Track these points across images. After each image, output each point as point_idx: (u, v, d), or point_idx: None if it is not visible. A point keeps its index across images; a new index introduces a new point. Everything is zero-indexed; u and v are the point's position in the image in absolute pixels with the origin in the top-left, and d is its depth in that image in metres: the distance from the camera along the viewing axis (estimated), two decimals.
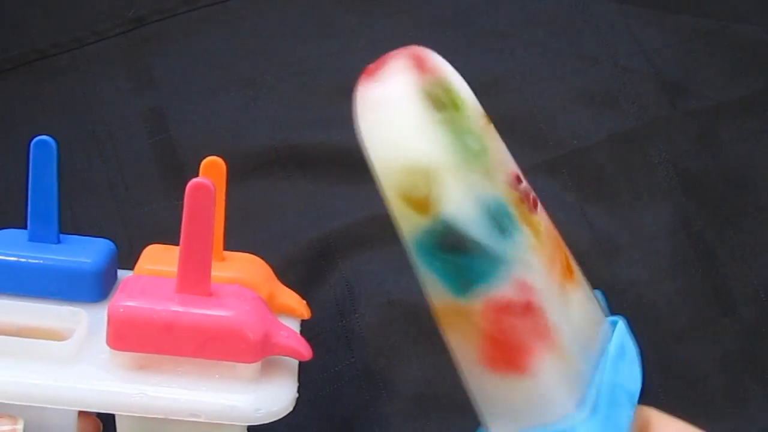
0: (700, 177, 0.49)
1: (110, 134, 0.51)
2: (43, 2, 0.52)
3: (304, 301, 0.40)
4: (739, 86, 0.50)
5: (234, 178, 0.50)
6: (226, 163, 0.39)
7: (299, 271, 0.48)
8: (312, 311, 0.40)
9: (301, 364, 0.36)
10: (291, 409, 0.34)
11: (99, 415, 0.37)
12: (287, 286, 0.41)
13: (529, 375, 0.29)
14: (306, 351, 0.34)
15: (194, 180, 0.32)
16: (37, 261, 0.37)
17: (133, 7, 0.52)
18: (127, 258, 0.40)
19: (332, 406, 0.47)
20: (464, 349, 0.30)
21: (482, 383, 0.30)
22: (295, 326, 0.39)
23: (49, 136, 0.50)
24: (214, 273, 0.34)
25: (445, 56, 0.51)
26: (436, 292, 0.29)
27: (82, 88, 0.51)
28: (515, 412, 0.30)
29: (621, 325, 0.33)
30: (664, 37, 0.51)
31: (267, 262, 0.41)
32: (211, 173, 0.38)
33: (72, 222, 0.49)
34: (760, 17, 0.51)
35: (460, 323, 0.29)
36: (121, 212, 0.50)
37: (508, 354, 0.29)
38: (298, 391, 0.35)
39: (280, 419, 0.33)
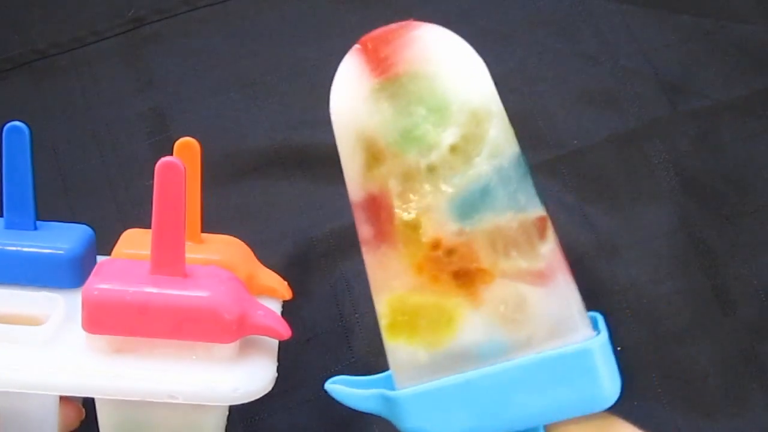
0: (700, 177, 0.49)
1: (110, 134, 0.51)
2: (43, 2, 0.52)
3: (285, 282, 0.40)
4: (739, 86, 0.50)
5: (234, 178, 0.50)
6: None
7: (299, 271, 0.48)
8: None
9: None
10: (270, 388, 0.34)
11: (83, 403, 0.37)
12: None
13: (556, 285, 0.31)
14: (284, 329, 0.34)
15: (163, 159, 0.32)
16: (12, 248, 0.37)
17: (133, 7, 0.52)
18: None
19: (332, 406, 0.47)
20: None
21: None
22: (276, 307, 0.39)
23: (51, 135, 0.50)
24: (191, 255, 0.34)
25: None
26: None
27: (82, 88, 0.51)
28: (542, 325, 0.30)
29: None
30: (664, 37, 0.51)
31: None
32: (185, 154, 0.38)
33: (72, 222, 0.49)
34: (760, 17, 0.51)
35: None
36: (121, 212, 0.50)
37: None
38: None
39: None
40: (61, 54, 0.52)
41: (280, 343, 0.37)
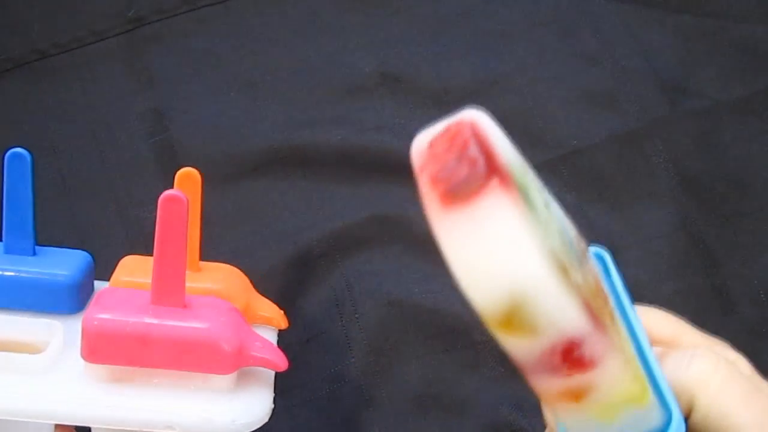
0: (700, 177, 0.49)
1: (110, 134, 0.51)
2: (43, 2, 0.52)
3: (282, 311, 0.40)
4: (739, 86, 0.50)
5: (234, 178, 0.50)
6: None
7: (299, 271, 0.48)
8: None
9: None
10: (266, 419, 0.34)
11: (77, 428, 0.37)
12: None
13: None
14: (281, 362, 0.34)
15: (167, 192, 0.32)
16: (12, 273, 0.37)
17: (133, 7, 0.52)
18: None
19: (332, 406, 0.47)
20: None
21: None
22: (272, 336, 0.39)
23: (51, 135, 0.50)
24: (190, 284, 0.34)
25: (445, 56, 0.51)
26: None
27: (82, 88, 0.51)
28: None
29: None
30: (664, 37, 0.51)
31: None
32: (186, 184, 0.38)
33: (72, 222, 0.49)
34: (760, 17, 0.51)
35: None
36: (121, 212, 0.50)
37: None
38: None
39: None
40: (61, 54, 0.52)
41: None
